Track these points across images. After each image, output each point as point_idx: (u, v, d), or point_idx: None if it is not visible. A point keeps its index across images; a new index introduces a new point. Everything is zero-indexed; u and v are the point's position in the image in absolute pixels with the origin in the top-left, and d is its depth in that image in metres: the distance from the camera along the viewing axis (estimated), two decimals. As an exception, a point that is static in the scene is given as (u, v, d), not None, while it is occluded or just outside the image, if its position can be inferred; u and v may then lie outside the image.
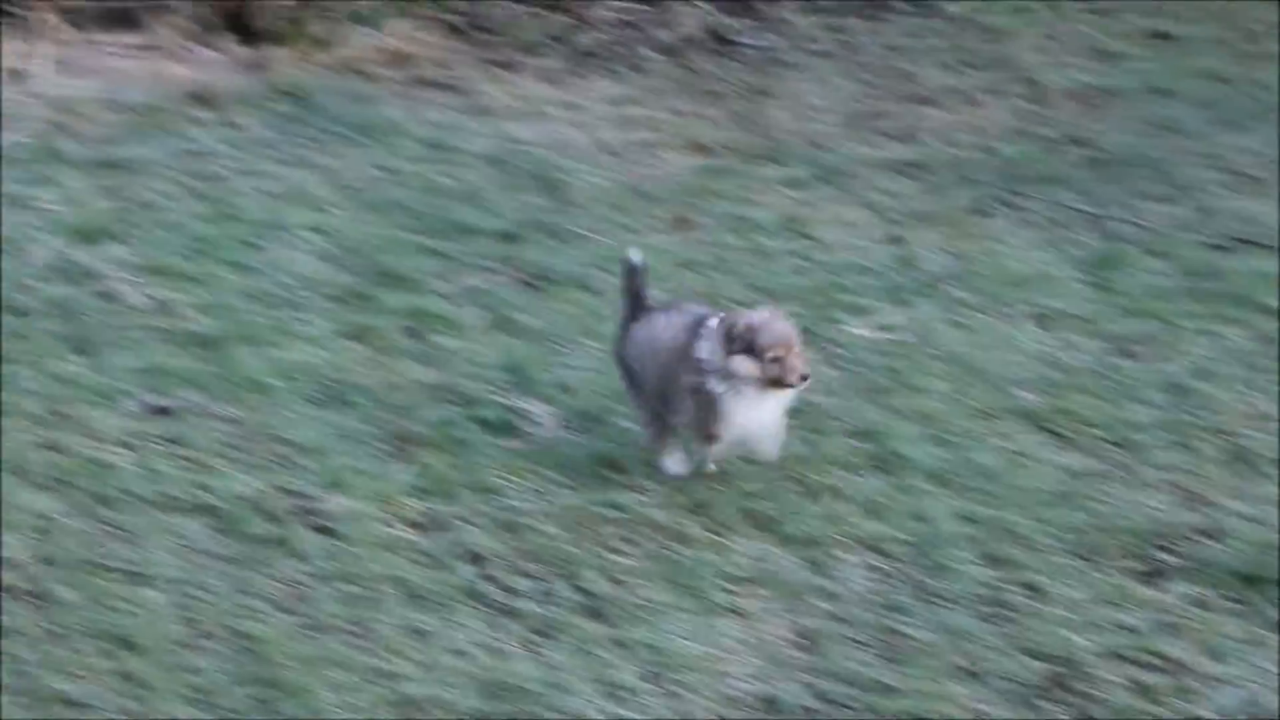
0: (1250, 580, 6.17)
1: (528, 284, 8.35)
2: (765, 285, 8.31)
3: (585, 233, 8.87)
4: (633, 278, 6.94)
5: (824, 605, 6.12)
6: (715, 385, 6.54)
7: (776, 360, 6.46)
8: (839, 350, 7.75)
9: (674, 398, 6.68)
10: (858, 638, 5.97)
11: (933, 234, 9.02)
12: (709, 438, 6.66)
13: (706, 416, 6.59)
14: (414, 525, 6.48)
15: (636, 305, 6.92)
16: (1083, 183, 9.65)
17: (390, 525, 6.46)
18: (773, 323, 6.54)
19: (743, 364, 6.49)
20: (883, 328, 7.99)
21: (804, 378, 6.52)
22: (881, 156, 10.01)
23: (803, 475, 6.79)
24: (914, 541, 6.40)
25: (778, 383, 6.51)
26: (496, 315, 8.02)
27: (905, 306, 8.23)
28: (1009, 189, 9.55)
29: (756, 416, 6.60)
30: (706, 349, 6.57)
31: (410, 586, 6.14)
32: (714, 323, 6.59)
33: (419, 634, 5.93)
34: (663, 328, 6.79)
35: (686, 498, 6.64)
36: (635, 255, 6.97)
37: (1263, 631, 5.97)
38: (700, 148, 10.04)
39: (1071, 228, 9.09)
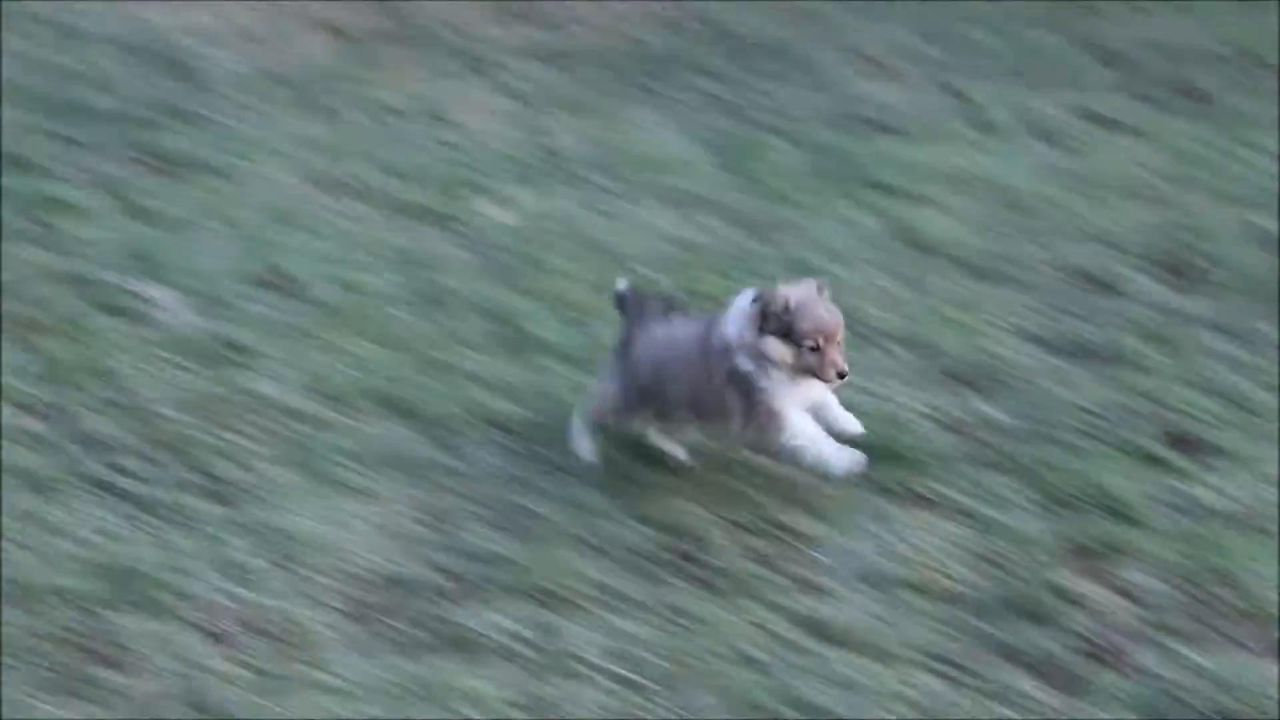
0: (868, 450, 6.31)
1: (158, 169, 8.16)
2: (400, 169, 8.24)
3: (218, 118, 8.68)
4: (625, 307, 6.29)
5: (451, 483, 6.12)
6: (743, 363, 5.89)
7: (815, 350, 5.83)
8: (472, 234, 7.74)
9: (710, 400, 5.97)
10: (484, 514, 5.98)
11: (573, 120, 9.02)
12: (769, 436, 5.94)
13: (751, 409, 5.89)
14: (32, 412, 6.31)
15: (635, 327, 6.23)
16: (722, 70, 9.73)
17: (7, 412, 6.28)
18: (815, 306, 5.84)
19: (775, 347, 5.84)
20: (518, 212, 7.99)
21: (841, 375, 5.87)
22: (524, 43, 9.97)
23: (433, 356, 6.77)
24: (541, 420, 6.42)
25: (811, 374, 5.89)
26: (125, 201, 7.83)
27: (543, 192, 8.23)
28: (650, 76, 9.59)
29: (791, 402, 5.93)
30: (735, 325, 5.91)
31: (26, 474, 5.99)
32: (747, 297, 5.95)
33: (36, 521, 5.79)
34: (679, 328, 6.15)
35: (315, 381, 6.58)
36: (622, 284, 6.35)
37: (878, 500, 6.13)
38: (338, 32, 9.89)
39: (709, 113, 9.17)
